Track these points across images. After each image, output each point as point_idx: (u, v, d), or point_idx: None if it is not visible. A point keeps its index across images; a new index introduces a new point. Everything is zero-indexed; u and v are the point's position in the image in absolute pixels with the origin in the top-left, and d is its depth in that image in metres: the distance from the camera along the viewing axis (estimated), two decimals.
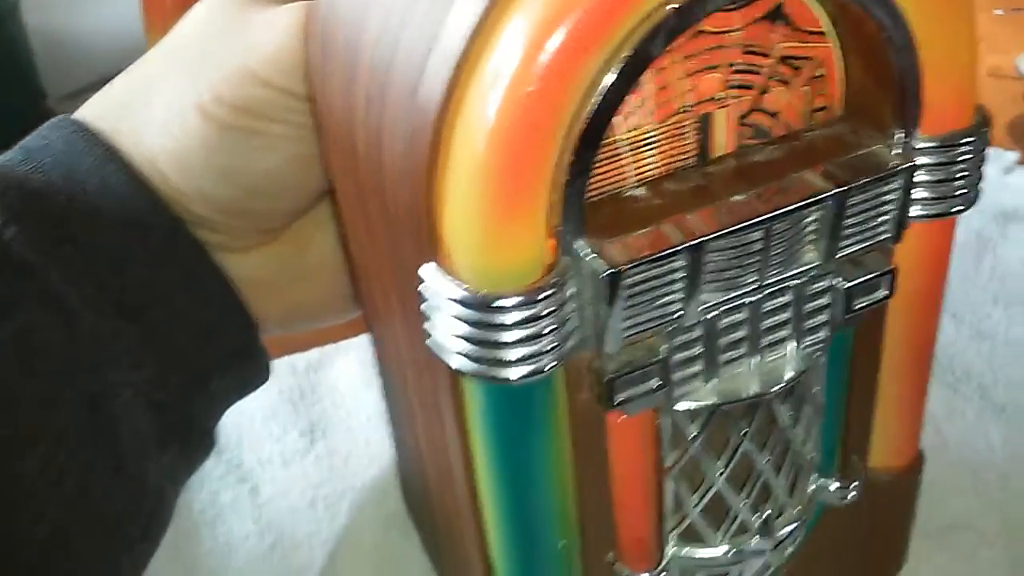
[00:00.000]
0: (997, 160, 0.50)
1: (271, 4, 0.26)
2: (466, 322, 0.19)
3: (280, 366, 0.43)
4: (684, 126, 0.21)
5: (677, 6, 0.17)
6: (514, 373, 0.20)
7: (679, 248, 0.20)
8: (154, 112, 0.26)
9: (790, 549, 0.26)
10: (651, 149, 0.21)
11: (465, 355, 0.20)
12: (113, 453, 0.25)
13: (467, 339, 0.19)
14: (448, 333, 0.20)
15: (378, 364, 0.32)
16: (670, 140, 0.21)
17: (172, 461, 0.28)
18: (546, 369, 0.20)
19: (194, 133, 0.26)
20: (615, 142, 0.20)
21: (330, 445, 0.40)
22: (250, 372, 0.30)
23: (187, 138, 0.26)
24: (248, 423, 0.41)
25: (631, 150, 0.21)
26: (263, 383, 0.30)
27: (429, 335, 0.20)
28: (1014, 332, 0.41)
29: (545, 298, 0.19)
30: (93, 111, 0.27)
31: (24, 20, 0.64)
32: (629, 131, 0.20)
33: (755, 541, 0.25)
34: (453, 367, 0.20)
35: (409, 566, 0.34)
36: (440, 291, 0.19)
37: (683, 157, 0.21)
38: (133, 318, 0.26)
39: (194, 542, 0.36)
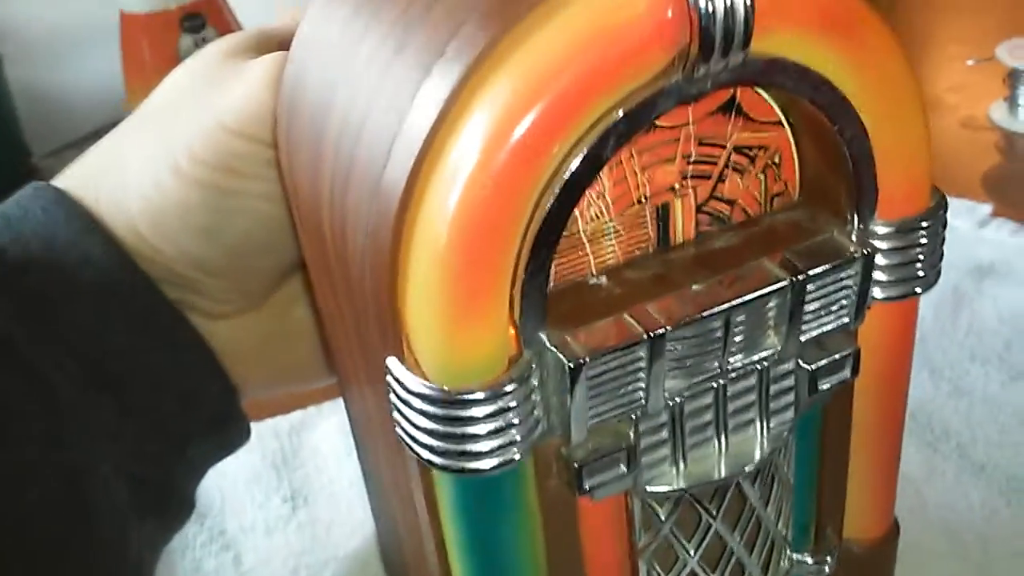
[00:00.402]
0: (971, 213, 0.51)
1: (246, 59, 0.27)
2: (433, 417, 0.19)
3: (263, 429, 0.43)
4: (643, 216, 0.21)
5: (624, 113, 0.18)
6: (482, 464, 0.20)
7: (640, 339, 0.20)
8: (131, 176, 0.27)
9: None
10: (611, 239, 0.21)
11: (432, 448, 0.20)
12: (90, 525, 0.25)
13: (434, 434, 0.20)
14: (415, 426, 0.20)
15: (353, 434, 0.32)
16: (629, 230, 0.21)
17: (151, 530, 0.28)
18: (514, 459, 0.20)
19: (170, 194, 0.26)
20: (575, 233, 0.21)
21: (312, 512, 0.39)
22: (229, 436, 0.30)
23: (164, 200, 0.26)
24: (231, 488, 0.41)
25: (591, 241, 0.21)
26: (242, 445, 0.30)
27: (397, 426, 0.21)
28: (991, 389, 0.41)
29: (510, 392, 0.19)
30: (72, 178, 0.28)
31: (7, 77, 0.65)
32: (588, 222, 0.21)
33: None
34: (422, 459, 0.20)
35: None
36: (405, 384, 0.19)
37: (643, 245, 0.22)
38: (112, 389, 0.26)
39: None
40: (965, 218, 0.51)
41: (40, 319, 0.25)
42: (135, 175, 0.27)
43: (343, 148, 0.21)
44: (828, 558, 0.27)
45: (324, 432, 0.43)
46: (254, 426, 0.46)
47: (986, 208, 0.51)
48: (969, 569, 0.34)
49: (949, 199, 0.56)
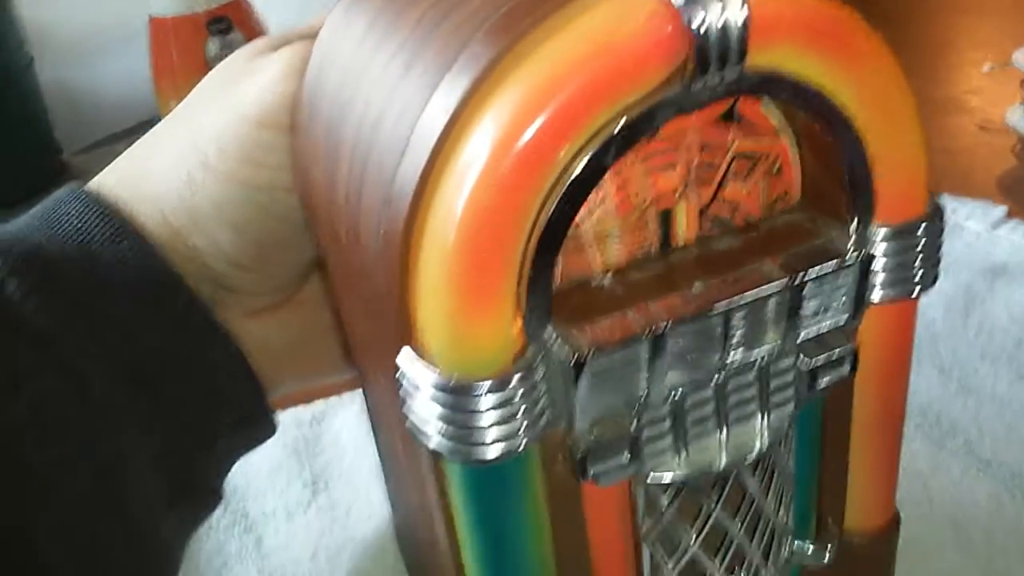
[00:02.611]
0: (985, 215, 0.51)
1: (269, 54, 0.28)
2: (441, 405, 0.21)
3: (285, 418, 0.45)
4: (646, 219, 0.22)
5: (625, 122, 0.19)
6: (489, 453, 0.21)
7: (642, 335, 0.21)
8: (163, 175, 0.28)
9: None
10: (615, 241, 0.22)
11: (441, 435, 0.21)
12: (124, 516, 0.26)
13: (443, 421, 0.21)
14: (425, 415, 0.21)
15: (371, 422, 0.34)
16: (633, 232, 0.22)
17: (181, 519, 0.29)
18: (520, 448, 0.21)
19: (201, 190, 0.27)
20: (580, 234, 0.22)
21: (332, 497, 0.41)
22: (256, 432, 0.31)
23: (195, 196, 0.27)
24: (255, 475, 0.42)
25: (596, 242, 0.22)
26: (269, 439, 0.32)
27: (408, 416, 0.22)
28: (1000, 388, 0.42)
29: (516, 383, 0.20)
30: (107, 179, 0.29)
31: (39, 76, 0.67)
32: (593, 225, 0.22)
33: None
34: (431, 447, 0.21)
35: None
36: (416, 376, 0.21)
37: (646, 247, 0.23)
38: (145, 387, 0.27)
39: None
40: (980, 219, 0.51)
41: (76, 318, 0.26)
42: (167, 173, 0.28)
43: (358, 155, 0.22)
44: (829, 547, 0.28)
45: (344, 421, 0.45)
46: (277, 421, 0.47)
47: (1001, 210, 0.51)
48: (974, 562, 0.35)
49: (964, 200, 0.57)
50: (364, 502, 0.40)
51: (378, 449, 0.34)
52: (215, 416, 0.29)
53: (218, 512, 0.41)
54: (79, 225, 0.27)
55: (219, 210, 0.27)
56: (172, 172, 0.28)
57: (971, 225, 0.51)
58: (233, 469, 0.44)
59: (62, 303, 0.26)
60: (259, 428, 0.31)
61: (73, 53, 0.72)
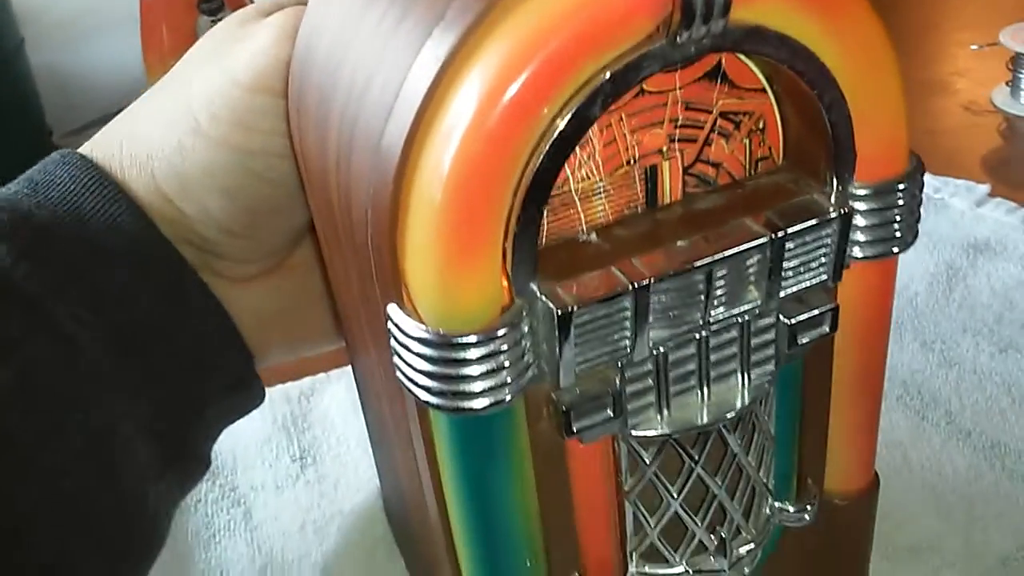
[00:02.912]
0: (969, 192, 0.52)
1: (260, 19, 0.28)
2: (429, 359, 0.21)
3: (274, 394, 0.45)
4: (631, 177, 0.23)
5: (610, 75, 0.19)
6: (476, 404, 0.21)
7: (626, 289, 0.21)
8: (154, 140, 0.28)
9: (748, 569, 0.28)
10: (601, 197, 0.22)
11: (429, 389, 0.21)
12: (112, 482, 0.26)
13: (431, 375, 0.21)
14: (414, 369, 0.21)
15: (360, 394, 0.34)
16: (618, 190, 0.23)
17: (168, 485, 0.29)
18: (506, 400, 0.21)
19: (191, 155, 0.27)
20: (566, 192, 0.22)
21: (320, 471, 0.41)
22: (245, 399, 0.31)
23: (185, 161, 0.27)
24: (243, 448, 0.43)
25: (582, 199, 0.22)
26: (257, 407, 0.32)
27: (397, 370, 0.22)
28: (981, 360, 0.42)
29: (501, 336, 0.21)
30: (97, 145, 0.28)
31: (29, 59, 0.67)
32: (579, 182, 0.22)
33: (713, 561, 0.27)
34: (420, 399, 0.22)
35: None
36: (405, 331, 0.21)
37: (631, 205, 0.23)
38: (135, 353, 0.27)
39: (189, 563, 0.38)
40: (963, 197, 0.52)
41: (67, 283, 0.26)
42: (158, 139, 0.28)
43: (348, 113, 0.22)
44: (809, 507, 0.28)
45: (332, 397, 0.45)
46: (267, 391, 0.47)
47: (984, 188, 0.52)
48: (952, 529, 0.35)
49: (949, 179, 0.57)
50: (352, 476, 0.41)
51: (366, 420, 0.35)
52: (205, 383, 0.29)
53: (206, 486, 0.41)
54: (71, 189, 0.27)
55: (210, 176, 0.27)
56: (163, 138, 0.28)
57: (955, 203, 0.51)
58: (222, 444, 0.44)
59: (53, 268, 0.26)
60: (248, 395, 0.31)
61: (63, 35, 0.72)
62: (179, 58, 0.30)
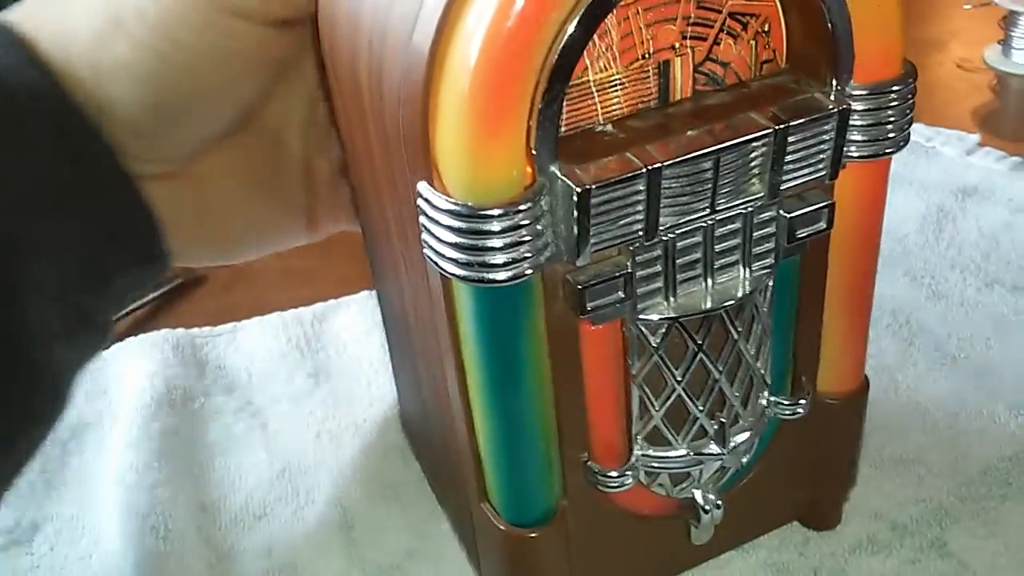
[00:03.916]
0: (960, 142, 0.53)
1: None
2: (456, 231, 0.22)
3: (287, 317, 0.47)
4: (646, 71, 0.24)
5: None
6: (498, 276, 0.23)
7: (640, 172, 0.23)
8: (76, 21, 0.27)
9: (745, 457, 0.30)
10: (617, 90, 0.24)
11: (456, 261, 0.23)
12: (17, 343, 0.26)
13: (457, 246, 0.23)
14: (441, 242, 0.23)
15: (380, 303, 0.36)
16: (634, 83, 0.24)
17: (72, 352, 0.29)
18: (526, 273, 0.23)
19: (109, 49, 0.26)
20: (585, 83, 0.24)
21: (334, 387, 0.43)
22: (153, 270, 0.31)
23: (102, 52, 0.26)
24: (259, 368, 0.44)
25: (599, 90, 0.24)
26: (163, 276, 0.32)
27: (426, 246, 0.24)
28: (968, 293, 0.44)
29: (524, 210, 0.22)
30: (19, 13, 0.28)
31: None
32: (597, 73, 0.24)
33: (712, 446, 0.29)
34: (447, 272, 0.23)
35: (407, 488, 0.37)
36: (434, 204, 0.23)
37: (645, 99, 0.25)
38: (45, 218, 0.27)
39: (208, 469, 0.39)
40: (954, 145, 0.53)
41: None
42: (80, 20, 0.27)
43: (380, 11, 0.24)
44: (802, 402, 0.30)
45: (344, 321, 0.47)
46: (279, 315, 0.49)
47: (974, 137, 0.54)
48: (937, 442, 0.37)
49: (941, 129, 0.59)
50: (365, 391, 0.42)
51: (386, 326, 0.36)
52: (114, 253, 0.29)
53: (223, 399, 0.43)
54: None
55: (125, 72, 0.27)
56: (85, 20, 0.27)
57: (946, 151, 0.53)
58: (236, 363, 0.46)
59: None
60: (155, 266, 0.31)
61: None
62: None
